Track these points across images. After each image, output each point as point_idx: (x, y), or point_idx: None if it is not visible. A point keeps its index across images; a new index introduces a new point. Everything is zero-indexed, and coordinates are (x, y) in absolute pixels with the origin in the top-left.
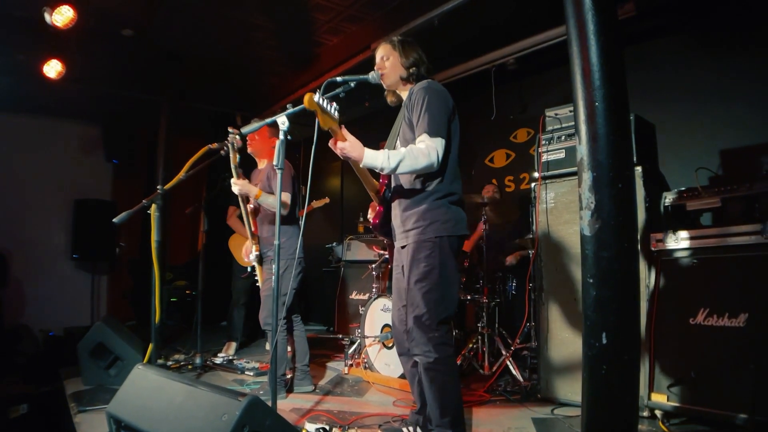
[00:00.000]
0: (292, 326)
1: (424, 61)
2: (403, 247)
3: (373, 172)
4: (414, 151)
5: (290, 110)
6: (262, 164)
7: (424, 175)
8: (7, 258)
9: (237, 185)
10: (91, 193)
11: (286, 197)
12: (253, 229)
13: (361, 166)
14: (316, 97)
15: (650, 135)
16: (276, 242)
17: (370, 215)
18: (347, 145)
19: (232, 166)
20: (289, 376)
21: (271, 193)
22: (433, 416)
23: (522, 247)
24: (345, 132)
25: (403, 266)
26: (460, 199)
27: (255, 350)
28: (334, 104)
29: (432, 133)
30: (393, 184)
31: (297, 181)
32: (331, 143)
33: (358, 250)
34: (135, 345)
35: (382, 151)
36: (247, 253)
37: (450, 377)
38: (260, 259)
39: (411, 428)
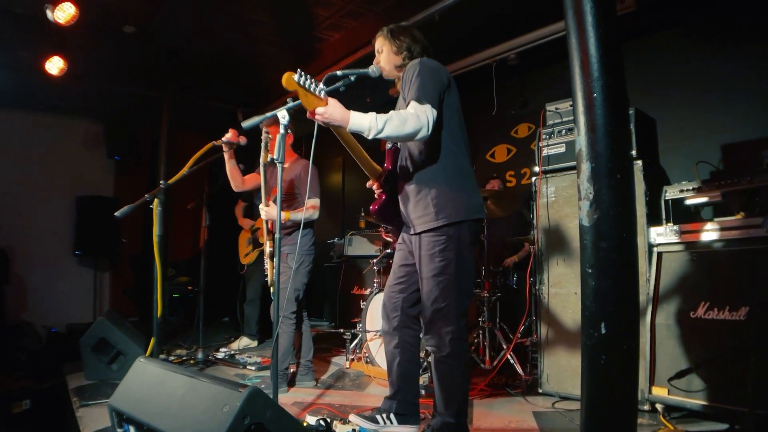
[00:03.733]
0: (301, 321)
1: (418, 41)
2: (413, 235)
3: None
4: (402, 113)
5: (290, 104)
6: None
7: (430, 153)
8: (10, 254)
9: (264, 212)
10: (94, 190)
11: (316, 202)
12: (269, 225)
13: (348, 130)
14: (296, 75)
15: (651, 129)
16: (277, 236)
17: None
18: (328, 108)
19: (261, 165)
20: (292, 371)
21: (297, 194)
22: (439, 405)
23: (524, 243)
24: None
25: (411, 251)
26: (472, 179)
27: (265, 345)
28: (321, 84)
29: (420, 101)
30: (399, 165)
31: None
32: (309, 114)
33: (359, 246)
34: (137, 340)
35: (369, 113)
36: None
37: (461, 371)
38: (273, 255)
39: (384, 416)
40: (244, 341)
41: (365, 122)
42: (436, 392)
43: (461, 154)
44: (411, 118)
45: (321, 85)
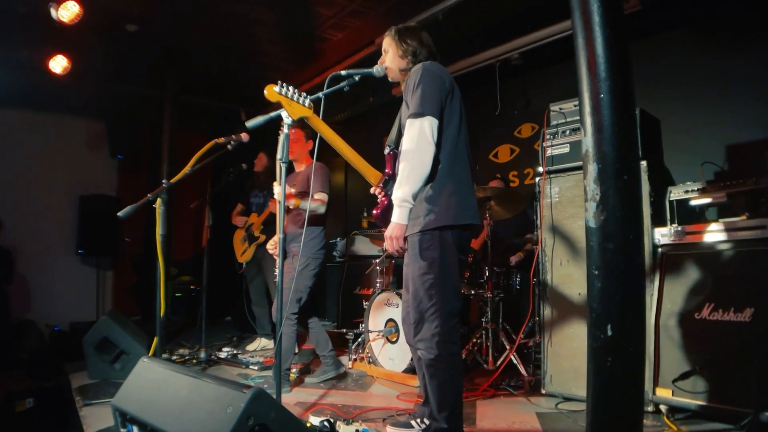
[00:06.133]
0: (305, 322)
1: (425, 45)
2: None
3: (377, 166)
4: (404, 160)
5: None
6: (300, 168)
7: None
8: (13, 253)
9: (276, 191)
10: (96, 189)
11: (324, 197)
12: (284, 225)
13: (401, 221)
14: (277, 87)
15: (655, 129)
16: (280, 235)
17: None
18: (388, 232)
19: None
20: (293, 371)
21: (306, 193)
22: (432, 409)
23: (527, 242)
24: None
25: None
26: (464, 186)
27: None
28: (304, 93)
29: (415, 114)
30: (396, 170)
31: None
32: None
33: (361, 246)
34: (140, 339)
35: (394, 201)
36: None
37: (450, 374)
38: (284, 254)
39: (418, 420)
40: (261, 342)
41: (404, 208)
42: (429, 396)
43: (457, 159)
44: (413, 159)
45: (304, 94)
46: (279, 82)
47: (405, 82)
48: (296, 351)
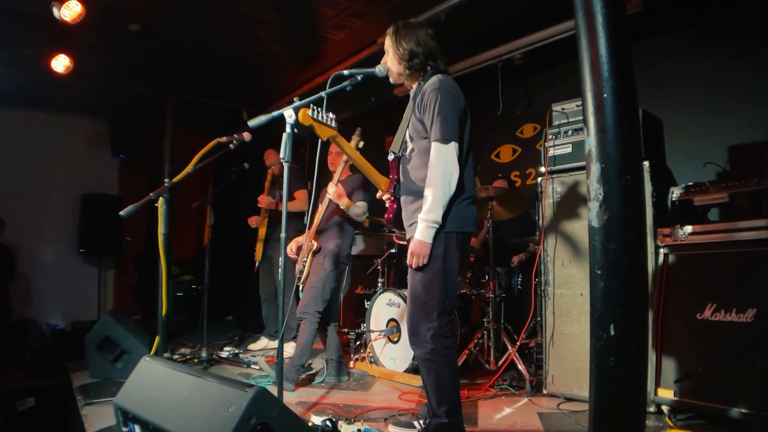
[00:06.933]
0: (325, 322)
1: (422, 44)
2: (409, 240)
3: (381, 169)
4: (434, 185)
5: (297, 104)
6: (341, 177)
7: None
8: (15, 252)
9: (331, 190)
10: (98, 188)
11: (364, 205)
12: (319, 224)
13: (429, 238)
14: (310, 111)
15: (657, 130)
16: (283, 235)
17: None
18: (415, 249)
19: (340, 167)
20: (309, 363)
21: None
22: (432, 405)
23: (528, 243)
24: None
25: None
26: (469, 196)
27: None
28: (330, 114)
29: (443, 140)
30: (402, 179)
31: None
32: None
33: (363, 246)
34: (141, 339)
35: (420, 220)
36: (300, 252)
37: (446, 368)
38: (316, 251)
39: (422, 421)
40: (263, 342)
41: (432, 229)
42: (428, 392)
43: (465, 170)
44: (440, 182)
45: (331, 115)
46: (311, 105)
47: (419, 94)
48: None
